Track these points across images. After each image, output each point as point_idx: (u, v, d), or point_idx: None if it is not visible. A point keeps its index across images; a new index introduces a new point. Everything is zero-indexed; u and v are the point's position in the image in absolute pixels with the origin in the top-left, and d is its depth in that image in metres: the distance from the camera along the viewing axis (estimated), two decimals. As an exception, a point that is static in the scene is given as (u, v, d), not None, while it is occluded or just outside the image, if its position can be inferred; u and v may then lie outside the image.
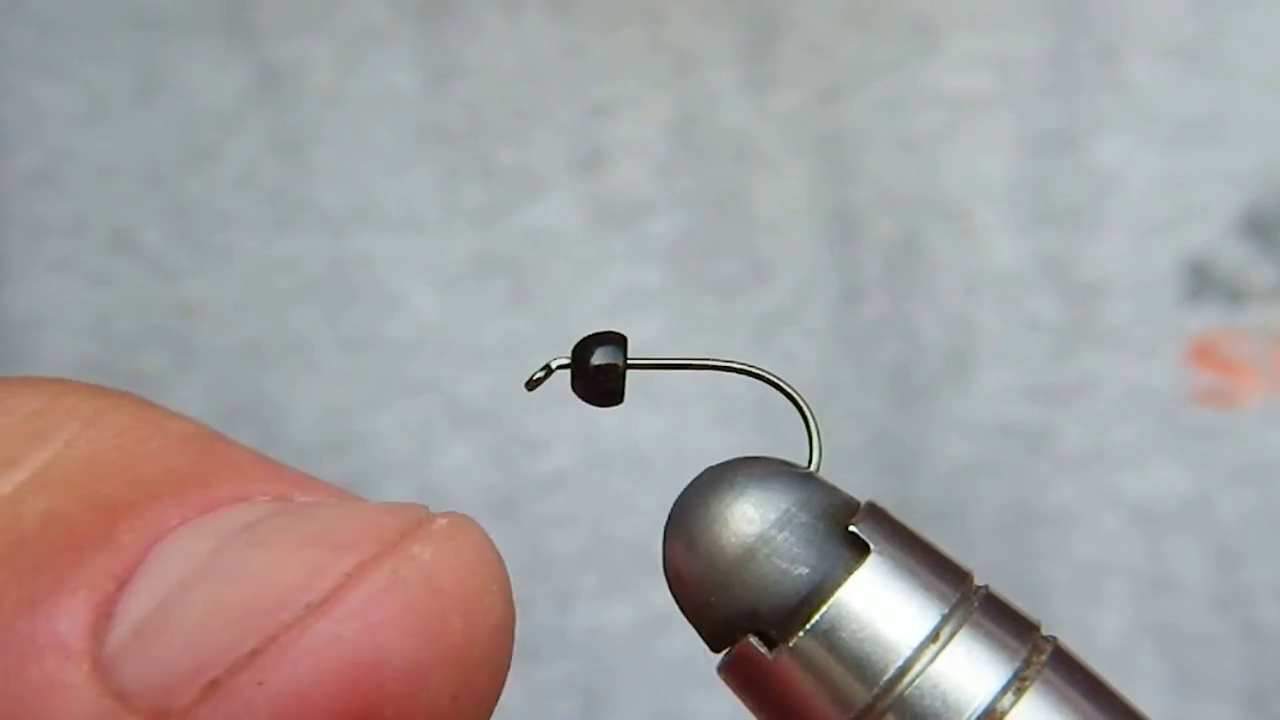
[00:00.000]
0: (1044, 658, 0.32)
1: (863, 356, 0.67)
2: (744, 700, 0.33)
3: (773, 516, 0.32)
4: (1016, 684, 0.31)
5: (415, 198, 0.68)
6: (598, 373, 0.35)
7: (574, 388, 0.35)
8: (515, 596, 0.67)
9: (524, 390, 0.67)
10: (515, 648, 0.68)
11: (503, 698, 0.67)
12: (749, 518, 0.32)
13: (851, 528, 0.32)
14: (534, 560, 0.67)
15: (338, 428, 0.68)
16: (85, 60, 0.69)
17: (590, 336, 0.35)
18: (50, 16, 0.70)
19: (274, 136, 0.69)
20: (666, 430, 0.68)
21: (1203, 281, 0.66)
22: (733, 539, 0.32)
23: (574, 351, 0.35)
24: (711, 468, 0.33)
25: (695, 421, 0.68)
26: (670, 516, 0.33)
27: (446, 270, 0.68)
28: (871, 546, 0.32)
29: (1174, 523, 0.66)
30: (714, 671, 0.34)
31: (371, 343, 0.68)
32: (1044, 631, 0.33)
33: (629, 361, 0.35)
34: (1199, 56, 0.66)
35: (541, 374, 0.36)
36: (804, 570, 0.32)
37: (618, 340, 0.35)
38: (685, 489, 0.33)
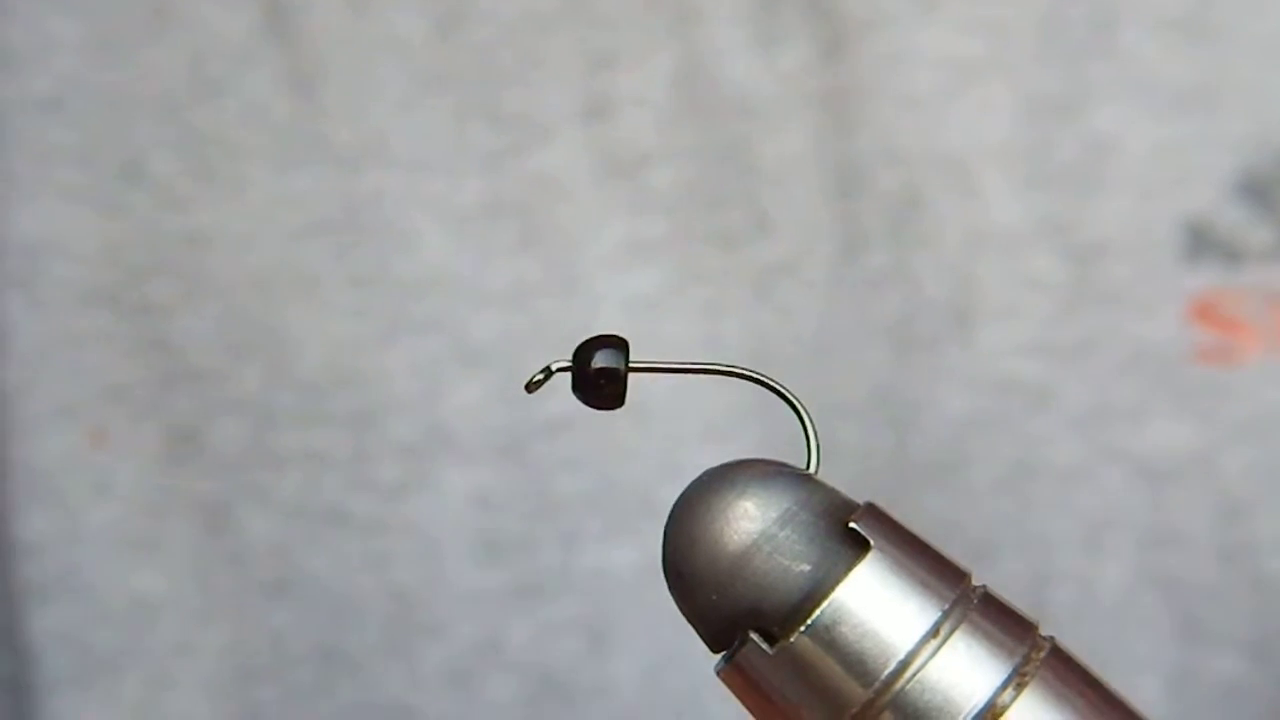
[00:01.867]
0: (1042, 655, 0.32)
1: (862, 309, 0.68)
2: (744, 700, 0.33)
3: (774, 514, 0.33)
4: (1015, 681, 0.32)
5: (424, 140, 0.69)
6: (599, 376, 0.35)
7: (575, 391, 0.35)
8: (522, 537, 0.68)
9: (531, 333, 0.68)
10: (522, 585, 0.69)
11: (510, 634, 0.69)
12: (751, 515, 0.33)
13: (852, 525, 0.32)
14: (541, 501, 0.68)
15: (346, 364, 0.69)
16: None
17: (591, 339, 0.35)
18: None
19: (285, 73, 0.69)
20: (669, 380, 0.68)
21: (1202, 242, 0.67)
22: (735, 536, 0.32)
23: (575, 355, 0.35)
24: (711, 469, 0.34)
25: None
26: (671, 516, 0.33)
27: (455, 213, 0.69)
28: (871, 543, 0.32)
29: (1177, 477, 0.67)
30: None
31: (381, 280, 0.69)
32: (1042, 630, 0.34)
33: (630, 365, 0.35)
34: (1193, 26, 0.67)
35: (541, 376, 0.36)
36: (806, 567, 0.32)
37: (619, 344, 0.35)
38: (685, 489, 0.33)
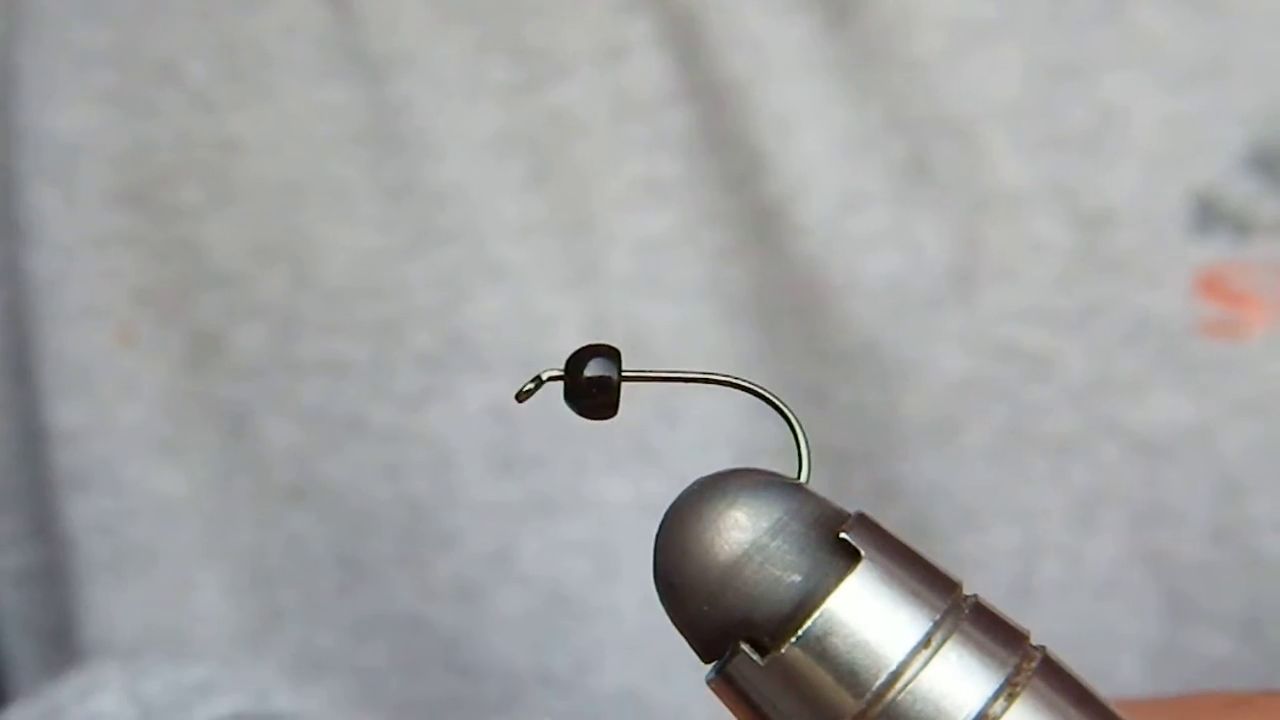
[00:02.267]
0: (1033, 666, 0.32)
1: (857, 264, 0.68)
2: (735, 711, 0.33)
3: (765, 524, 0.33)
4: (1007, 691, 0.32)
5: (445, 69, 0.69)
6: (591, 385, 0.35)
7: (567, 400, 0.35)
8: (537, 453, 0.69)
9: (536, 268, 0.68)
10: (535, 501, 0.70)
11: (520, 549, 0.70)
12: (742, 525, 0.33)
13: (843, 535, 0.32)
14: (555, 424, 0.69)
15: (370, 273, 0.70)
16: None
17: (584, 349, 0.35)
18: None
19: None
20: (671, 321, 0.68)
21: (1210, 214, 0.66)
22: (726, 546, 0.33)
23: (567, 364, 0.35)
24: (702, 478, 0.34)
25: (700, 316, 0.69)
26: (662, 526, 0.33)
27: (474, 140, 0.69)
28: (862, 553, 0.32)
29: (1175, 453, 0.67)
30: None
31: (408, 192, 0.69)
32: (1033, 640, 0.34)
33: (623, 374, 0.35)
34: None
35: (531, 386, 0.35)
36: (797, 578, 0.32)
37: (611, 353, 0.35)
38: (676, 500, 0.34)
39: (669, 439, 0.68)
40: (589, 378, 0.35)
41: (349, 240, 0.70)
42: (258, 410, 0.70)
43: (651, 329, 0.68)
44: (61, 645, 0.71)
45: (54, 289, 0.70)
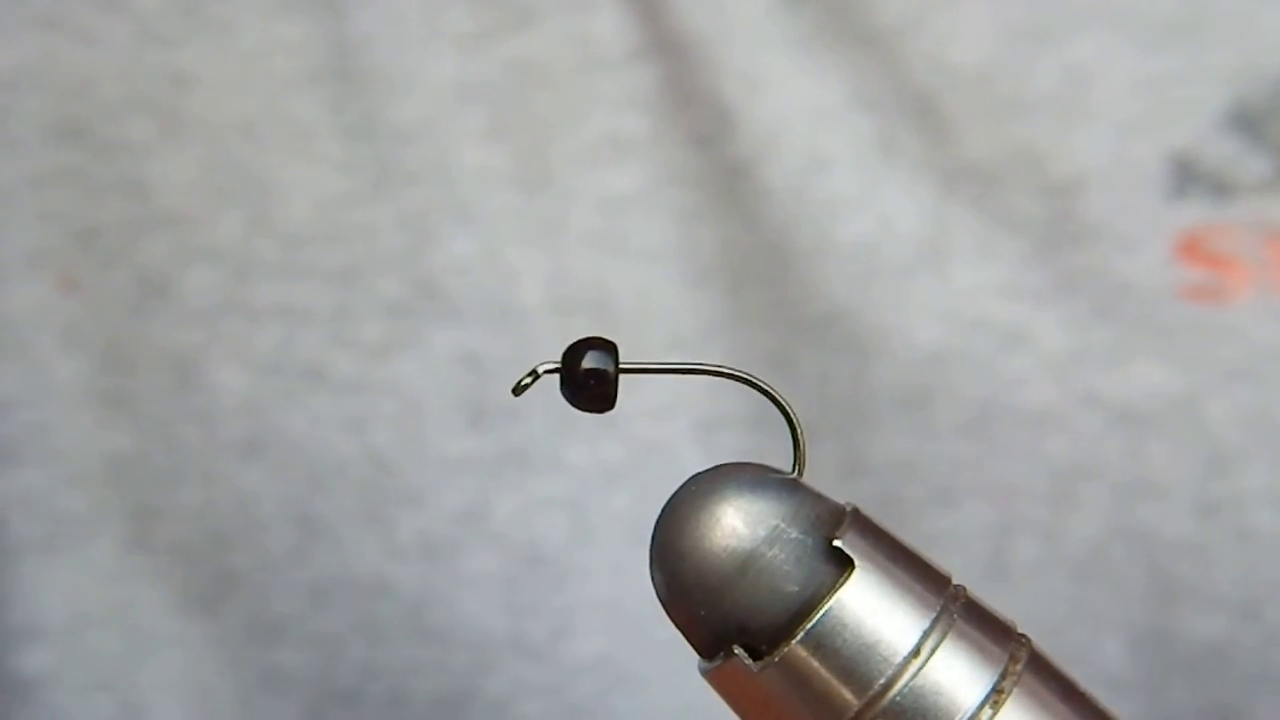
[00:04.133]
0: (1019, 666, 0.34)
1: (825, 226, 0.67)
2: (729, 705, 0.34)
3: (762, 534, 0.33)
4: (994, 698, 0.33)
5: (399, 19, 0.68)
6: (589, 377, 0.35)
7: (564, 392, 0.36)
8: (511, 405, 0.66)
9: (505, 218, 0.66)
10: (509, 455, 0.67)
11: (493, 506, 0.67)
12: (739, 535, 0.33)
13: (836, 543, 0.33)
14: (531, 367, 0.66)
15: (331, 216, 0.69)
16: None
17: (581, 341, 0.36)
18: None
19: None
20: (636, 282, 0.67)
21: (1189, 176, 0.66)
22: (723, 555, 0.33)
23: (564, 356, 0.36)
24: (698, 477, 0.35)
25: (665, 277, 0.68)
26: (657, 527, 0.34)
27: (434, 85, 0.68)
28: (855, 562, 0.33)
29: (1158, 424, 0.66)
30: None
31: (371, 133, 0.68)
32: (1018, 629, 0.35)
33: (620, 367, 0.36)
34: None
35: (529, 380, 0.36)
36: (793, 589, 0.33)
37: (608, 346, 0.36)
38: (671, 499, 0.34)
39: (629, 405, 0.66)
40: (586, 370, 0.35)
41: (308, 181, 0.68)
42: (208, 358, 0.69)
43: (615, 289, 0.68)
44: None
45: None
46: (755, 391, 0.36)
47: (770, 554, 0.33)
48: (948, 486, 0.67)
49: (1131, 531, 0.67)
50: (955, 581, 0.34)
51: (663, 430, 0.68)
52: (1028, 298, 0.66)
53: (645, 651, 0.68)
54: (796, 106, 0.67)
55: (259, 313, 0.68)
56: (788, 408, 0.36)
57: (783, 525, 0.34)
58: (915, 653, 0.33)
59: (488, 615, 0.68)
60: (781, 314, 0.68)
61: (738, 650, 0.33)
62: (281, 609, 0.69)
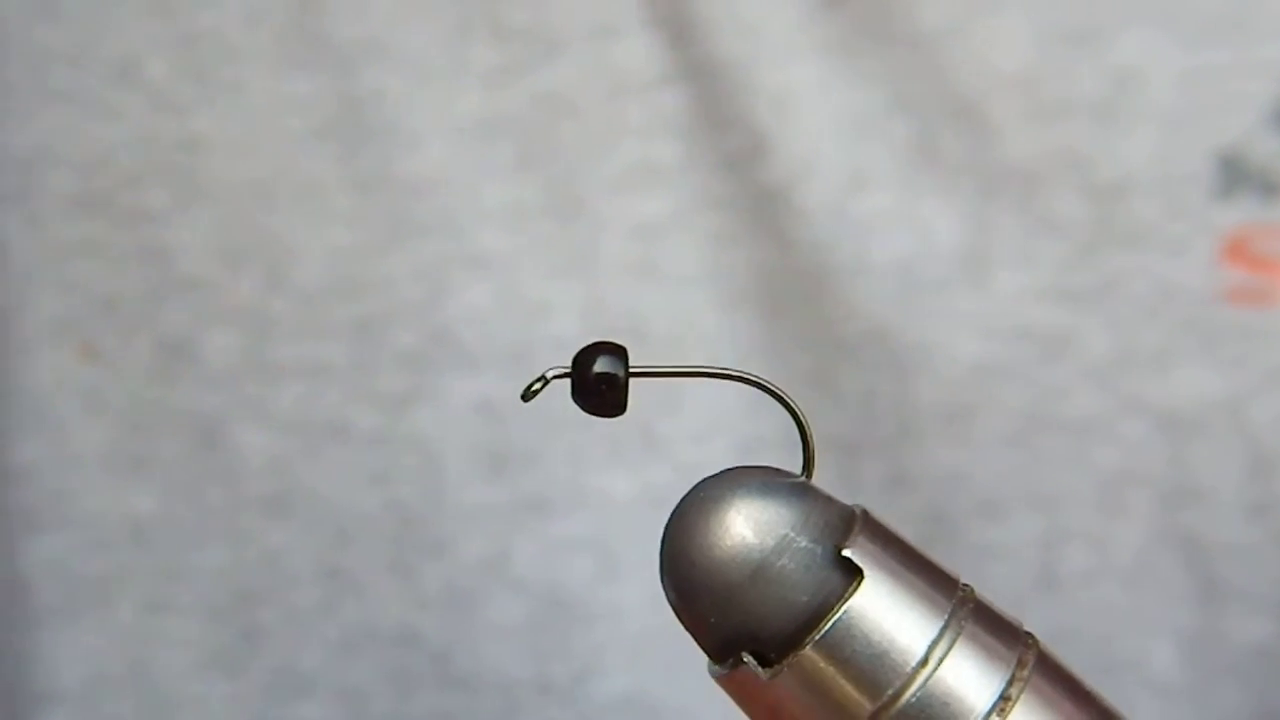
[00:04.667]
0: (1027, 669, 0.34)
1: (865, 249, 0.67)
2: (741, 709, 0.34)
3: (771, 543, 0.33)
4: (1001, 704, 0.33)
5: (424, 51, 0.68)
6: (599, 382, 0.35)
7: (575, 397, 0.36)
8: (530, 451, 0.67)
9: (527, 255, 0.67)
10: (529, 501, 0.68)
11: (516, 552, 0.68)
12: (749, 544, 0.33)
13: (845, 552, 0.33)
14: (547, 416, 0.67)
15: (345, 271, 0.69)
16: None
17: (591, 346, 0.36)
18: None
19: None
20: (669, 308, 0.67)
21: (1236, 176, 0.65)
22: (732, 565, 0.33)
23: (575, 361, 0.36)
24: (707, 482, 0.35)
25: (698, 303, 0.68)
26: (667, 533, 0.34)
27: (452, 126, 0.68)
28: (864, 572, 0.33)
29: (1203, 429, 0.66)
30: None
31: (382, 184, 0.69)
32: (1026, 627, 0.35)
33: (631, 371, 0.35)
34: None
35: (539, 385, 0.36)
36: (803, 598, 0.33)
37: (618, 350, 0.36)
38: (681, 505, 0.34)
39: (672, 427, 0.68)
40: (597, 374, 0.35)
41: (322, 238, 0.69)
42: (231, 419, 0.70)
43: (649, 316, 0.68)
44: (11, 697, 0.69)
45: (18, 314, 0.69)
46: (780, 405, 0.36)
47: (780, 564, 0.33)
48: (995, 498, 0.67)
49: (1178, 536, 0.66)
50: (964, 582, 0.34)
51: (702, 451, 0.68)
52: (1070, 302, 0.66)
53: (673, 687, 0.68)
54: (832, 120, 0.67)
55: (279, 371, 0.69)
56: (795, 408, 0.36)
57: (792, 534, 0.33)
58: (924, 661, 0.33)
59: (514, 660, 0.68)
60: (821, 335, 0.67)
61: (747, 658, 0.33)
62: (309, 663, 0.69)
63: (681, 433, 0.68)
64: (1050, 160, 0.66)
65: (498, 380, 0.68)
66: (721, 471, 0.35)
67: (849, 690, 0.33)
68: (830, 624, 0.33)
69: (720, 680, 0.34)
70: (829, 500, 0.34)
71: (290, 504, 0.69)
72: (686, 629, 0.34)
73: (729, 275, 0.68)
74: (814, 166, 0.67)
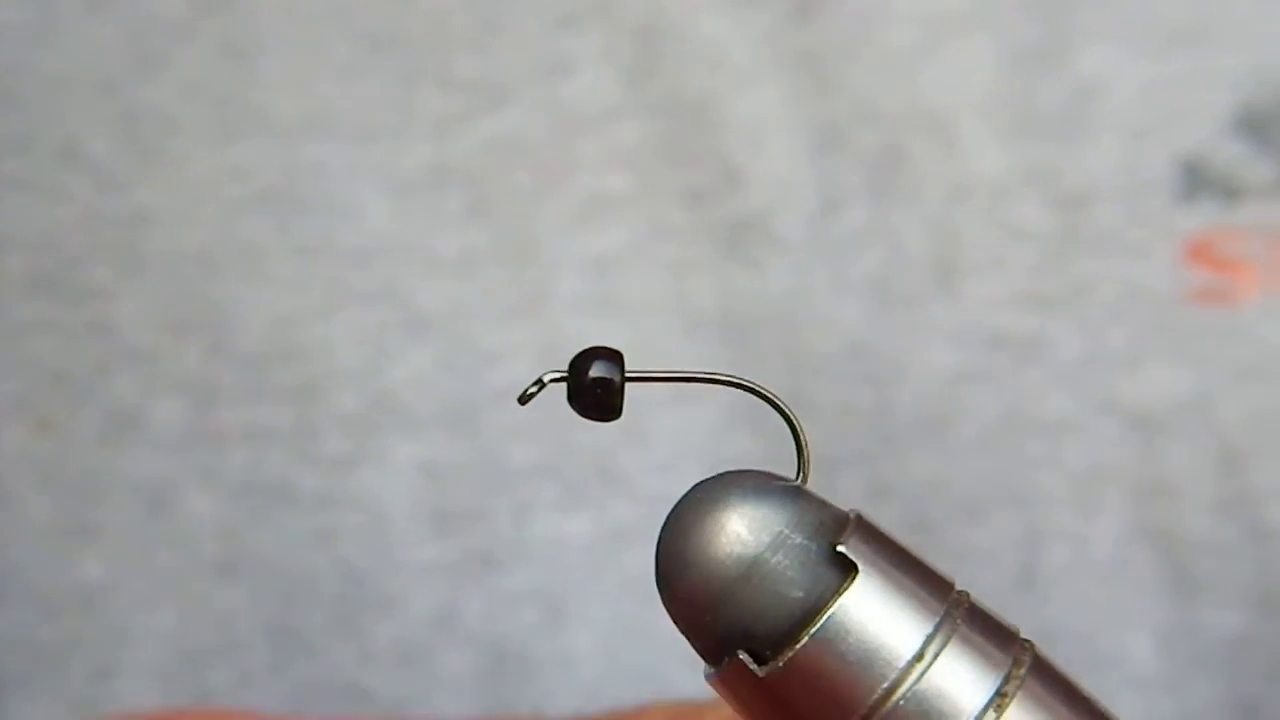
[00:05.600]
0: (1023, 671, 0.33)
1: (840, 265, 0.68)
2: (734, 708, 0.34)
3: (766, 539, 0.33)
4: (997, 702, 0.33)
5: (370, 107, 0.69)
6: (595, 386, 0.35)
7: (571, 402, 0.36)
8: (475, 508, 0.68)
9: (479, 302, 0.68)
10: (475, 557, 0.69)
11: (464, 608, 0.69)
12: (744, 541, 0.33)
13: (840, 548, 0.33)
14: (494, 471, 0.68)
15: (287, 337, 0.70)
16: None
17: (587, 351, 0.36)
18: None
19: (224, 44, 0.69)
20: (628, 340, 0.68)
21: (1197, 181, 0.67)
22: (727, 562, 0.33)
23: (571, 366, 0.36)
24: (703, 484, 0.34)
25: (658, 332, 0.69)
26: (662, 534, 0.34)
27: (401, 180, 0.69)
28: (859, 567, 0.33)
29: (1173, 426, 0.67)
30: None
31: (323, 251, 0.69)
32: (1023, 635, 0.35)
33: (627, 375, 0.36)
34: None
35: (534, 389, 0.36)
36: (798, 594, 0.33)
37: (614, 355, 0.36)
38: (676, 506, 0.34)
39: (633, 460, 0.69)
40: (593, 379, 0.35)
41: (263, 304, 0.70)
42: (179, 485, 0.70)
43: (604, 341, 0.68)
44: None
45: None
46: (771, 413, 0.36)
47: (774, 560, 0.33)
48: (974, 501, 0.68)
49: (1152, 532, 0.67)
50: (959, 588, 0.34)
51: (668, 481, 0.68)
52: (1040, 307, 0.67)
53: None
54: (799, 145, 0.68)
55: (225, 436, 0.69)
56: (790, 414, 0.36)
57: (786, 531, 0.33)
58: (919, 657, 0.33)
59: (464, 714, 0.68)
60: (795, 354, 0.68)
61: (742, 655, 0.33)
62: None
63: (644, 465, 0.68)
64: (1015, 173, 0.67)
65: (441, 440, 0.69)
66: (715, 475, 0.35)
67: (844, 685, 0.33)
68: (825, 618, 0.33)
69: (715, 682, 0.34)
70: (823, 503, 0.34)
71: (239, 566, 0.69)
72: (681, 631, 0.34)
73: (691, 302, 0.69)
74: (786, 191, 0.68)
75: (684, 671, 0.67)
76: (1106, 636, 0.68)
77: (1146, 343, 0.68)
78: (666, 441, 0.69)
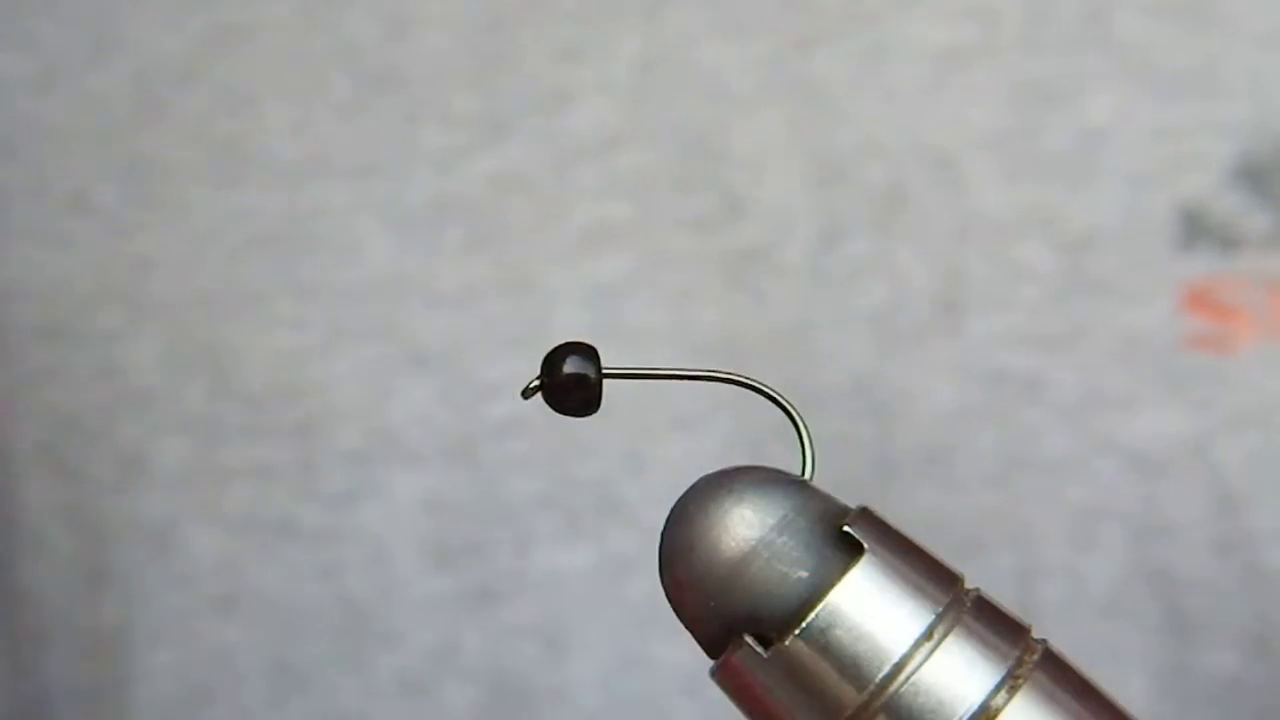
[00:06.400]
0: (1034, 659, 0.33)
1: (843, 298, 0.68)
2: (738, 703, 0.34)
3: (771, 521, 0.33)
4: (1009, 684, 0.32)
5: (370, 144, 0.69)
6: (570, 382, 0.35)
7: (546, 398, 0.35)
8: (475, 540, 0.69)
9: (480, 335, 0.69)
10: (476, 590, 0.69)
11: (464, 640, 0.69)
12: (749, 522, 0.33)
13: (846, 529, 0.33)
14: (494, 504, 0.69)
15: (289, 375, 0.70)
16: (42, 24, 0.70)
17: (559, 347, 0.35)
18: None
19: (226, 90, 0.69)
20: (629, 363, 0.69)
21: (1196, 229, 0.67)
22: (733, 543, 0.33)
23: (544, 363, 0.35)
24: (708, 475, 0.34)
25: (659, 361, 0.69)
26: (668, 522, 0.34)
27: (401, 215, 0.69)
28: (865, 547, 0.33)
29: (1170, 468, 0.68)
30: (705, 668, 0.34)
31: (324, 290, 0.70)
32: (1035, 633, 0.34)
33: (605, 371, 0.35)
34: (1189, 10, 0.67)
35: (536, 384, 0.36)
36: (803, 574, 0.33)
37: (588, 350, 0.35)
38: (682, 496, 0.34)
39: (634, 490, 0.69)
40: (568, 375, 0.35)
41: (265, 343, 0.70)
42: (184, 523, 0.70)
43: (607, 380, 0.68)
44: None
45: (7, 446, 0.71)
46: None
47: (780, 540, 0.33)
48: (974, 536, 0.68)
49: (1149, 571, 0.67)
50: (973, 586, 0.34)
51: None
52: (1042, 348, 0.68)
53: None
54: (802, 177, 0.68)
55: (228, 474, 0.70)
56: (793, 411, 0.35)
57: (792, 514, 0.33)
58: (927, 636, 0.32)
59: None
60: (797, 385, 0.67)
61: (748, 638, 0.32)
62: None
63: (644, 495, 0.69)
64: (1020, 213, 0.68)
65: (442, 473, 0.69)
66: (721, 469, 0.34)
67: (850, 665, 0.32)
68: (830, 598, 0.32)
69: (720, 669, 0.33)
70: (828, 496, 0.34)
71: (241, 602, 0.69)
72: (685, 622, 0.34)
73: (692, 331, 0.69)
74: (788, 222, 0.68)
75: (683, 702, 0.67)
76: (1102, 675, 0.67)
77: (1145, 386, 0.68)
78: (667, 472, 0.68)
